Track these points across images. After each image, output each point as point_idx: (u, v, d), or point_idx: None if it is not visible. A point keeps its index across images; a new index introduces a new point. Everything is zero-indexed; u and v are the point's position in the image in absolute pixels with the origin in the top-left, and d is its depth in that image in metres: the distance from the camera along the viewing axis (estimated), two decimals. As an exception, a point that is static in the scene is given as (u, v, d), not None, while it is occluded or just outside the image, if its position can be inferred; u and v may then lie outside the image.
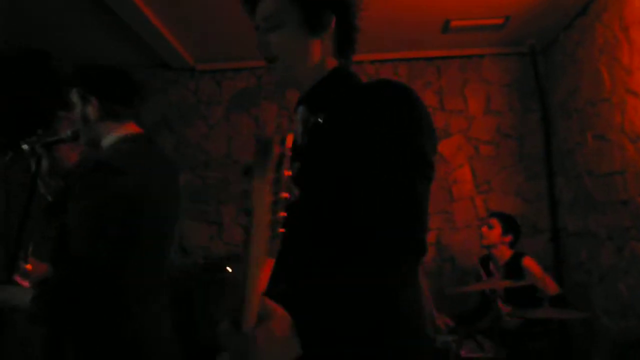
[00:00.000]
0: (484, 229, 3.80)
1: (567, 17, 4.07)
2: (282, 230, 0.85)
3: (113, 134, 1.91)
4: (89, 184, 1.71)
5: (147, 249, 1.84)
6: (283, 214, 0.84)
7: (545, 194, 4.51)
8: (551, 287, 3.55)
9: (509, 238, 3.76)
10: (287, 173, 0.83)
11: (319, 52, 1.32)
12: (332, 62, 1.35)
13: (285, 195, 0.83)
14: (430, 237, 4.54)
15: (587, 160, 3.91)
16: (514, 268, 3.69)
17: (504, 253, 3.77)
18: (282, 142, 0.82)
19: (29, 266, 2.71)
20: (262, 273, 0.92)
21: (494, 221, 3.79)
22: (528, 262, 3.68)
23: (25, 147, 2.11)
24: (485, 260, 3.91)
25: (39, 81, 3.86)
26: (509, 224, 3.79)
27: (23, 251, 2.84)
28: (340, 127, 1.18)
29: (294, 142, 1.22)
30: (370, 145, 1.12)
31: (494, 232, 3.75)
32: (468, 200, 4.59)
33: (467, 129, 4.65)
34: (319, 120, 1.24)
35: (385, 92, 1.20)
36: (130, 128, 1.94)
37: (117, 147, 1.87)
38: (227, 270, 3.84)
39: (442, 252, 4.53)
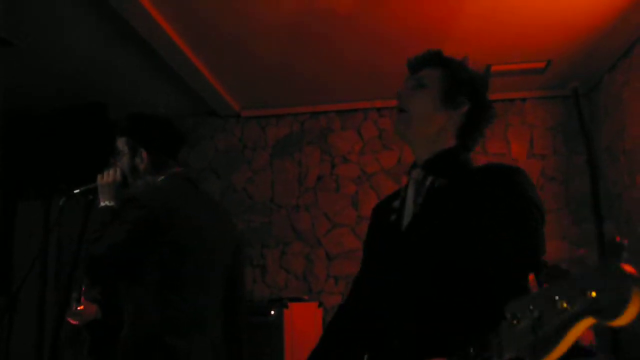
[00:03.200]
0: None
1: (610, 60, 4.06)
2: None
3: (157, 178, 2.10)
4: (119, 213, 1.96)
5: (181, 283, 1.96)
6: None
7: (593, 239, 4.39)
8: (585, 337, 3.41)
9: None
10: None
11: (443, 124, 1.46)
12: (452, 140, 1.47)
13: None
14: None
15: (638, 203, 3.82)
16: None
17: None
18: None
19: (81, 307, 2.80)
20: None
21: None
22: None
23: (77, 192, 2.23)
24: None
25: (95, 131, 4.05)
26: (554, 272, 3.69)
27: (76, 292, 2.94)
28: (461, 195, 1.30)
29: (404, 199, 1.42)
30: (487, 223, 1.22)
31: None
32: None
33: (510, 173, 4.62)
34: (437, 184, 1.37)
35: (502, 176, 1.34)
36: (162, 175, 2.12)
37: (150, 185, 2.07)
38: (271, 314, 3.85)
39: (488, 298, 4.45)
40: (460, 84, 1.48)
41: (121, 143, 2.13)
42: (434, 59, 1.53)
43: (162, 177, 2.09)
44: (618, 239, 0.76)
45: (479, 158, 4.68)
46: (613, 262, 0.71)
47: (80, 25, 3.52)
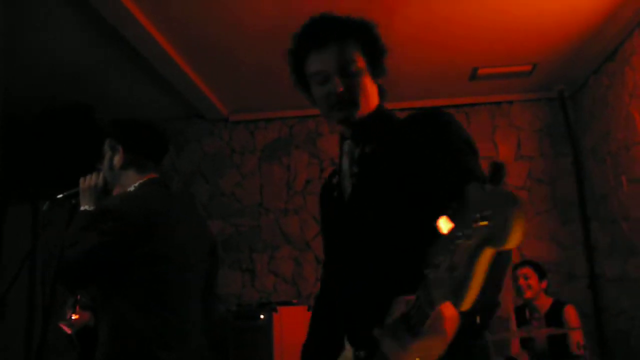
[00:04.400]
0: (521, 281, 3.69)
1: (595, 62, 4.10)
2: None
3: (133, 184, 2.03)
4: (93, 222, 1.90)
5: (165, 292, 1.92)
6: None
7: (580, 240, 4.43)
8: (574, 347, 3.43)
9: (545, 283, 3.69)
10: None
11: (375, 94, 1.44)
12: (376, 101, 1.45)
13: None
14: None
15: (623, 204, 3.86)
16: (556, 316, 3.60)
17: (545, 302, 3.68)
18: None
19: (75, 316, 2.79)
20: None
21: (528, 270, 3.70)
22: (569, 311, 3.59)
23: (60, 197, 2.21)
24: (522, 309, 3.82)
25: (82, 133, 4.03)
26: (541, 269, 3.72)
27: (72, 299, 2.93)
28: (390, 156, 1.30)
29: (341, 171, 1.42)
30: (423, 169, 1.22)
31: (533, 281, 3.67)
32: (501, 246, 4.53)
33: (498, 175, 4.64)
34: (367, 151, 1.35)
35: (425, 120, 1.33)
36: (142, 179, 2.06)
37: (127, 193, 2.01)
38: (260, 318, 3.84)
39: (477, 299, 4.46)
40: (377, 48, 1.45)
41: (105, 144, 2.10)
42: (338, 29, 1.44)
43: (138, 183, 2.03)
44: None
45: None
46: (496, 187, 0.74)
47: (67, 30, 3.50)
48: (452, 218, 0.79)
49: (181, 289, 1.98)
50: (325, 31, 1.42)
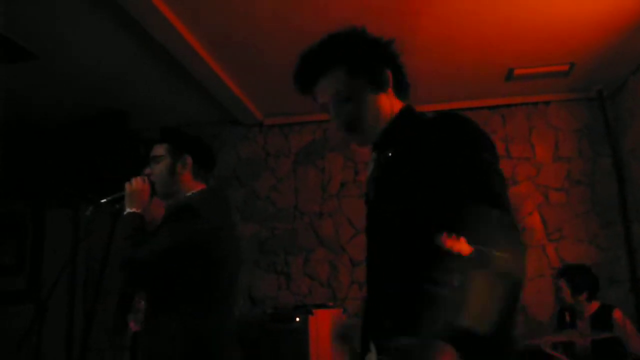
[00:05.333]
0: (558, 290, 3.71)
1: (635, 61, 4.02)
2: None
3: (191, 190, 2.15)
4: (172, 219, 1.99)
5: (224, 293, 2.04)
6: None
7: (621, 242, 4.33)
8: (638, 347, 3.37)
9: (584, 295, 3.62)
10: None
11: (388, 103, 1.45)
12: (398, 106, 1.48)
13: None
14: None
15: (665, 206, 3.76)
16: (602, 320, 3.52)
17: (588, 306, 3.62)
18: None
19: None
20: None
21: (561, 283, 3.66)
22: (619, 315, 3.52)
23: (103, 201, 2.28)
24: (562, 312, 3.76)
25: (117, 139, 4.13)
26: (578, 279, 3.64)
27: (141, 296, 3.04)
28: (407, 160, 1.34)
29: (369, 177, 1.46)
30: (435, 175, 1.25)
31: (566, 294, 3.64)
32: (539, 248, 4.47)
33: (535, 176, 4.58)
34: (388, 155, 1.40)
35: (445, 125, 1.34)
36: (201, 186, 2.20)
37: (197, 197, 2.11)
38: (296, 320, 3.86)
39: (514, 303, 4.40)
40: (367, 65, 1.43)
41: (160, 149, 2.19)
42: (324, 62, 1.45)
43: (202, 190, 2.16)
44: None
45: (503, 162, 4.67)
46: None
47: (102, 37, 3.57)
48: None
49: (233, 291, 2.11)
50: (311, 71, 1.47)
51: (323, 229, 4.80)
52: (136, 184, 2.15)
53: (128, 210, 2.10)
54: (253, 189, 4.97)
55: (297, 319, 3.86)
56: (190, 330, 1.93)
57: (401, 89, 1.49)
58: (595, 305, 3.61)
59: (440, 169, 1.25)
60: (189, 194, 2.14)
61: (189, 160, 2.16)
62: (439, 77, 4.27)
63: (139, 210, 2.10)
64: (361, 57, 1.43)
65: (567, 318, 3.70)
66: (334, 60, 1.44)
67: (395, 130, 1.43)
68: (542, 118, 4.68)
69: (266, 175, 4.99)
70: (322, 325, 3.89)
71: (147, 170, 2.23)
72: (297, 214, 4.86)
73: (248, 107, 4.68)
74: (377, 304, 1.37)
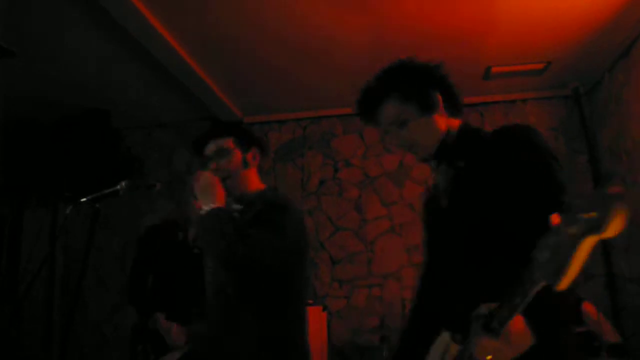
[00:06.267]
0: None
1: (609, 59, 4.08)
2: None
3: (255, 185, 2.18)
4: (267, 217, 1.94)
5: (300, 296, 2.05)
6: None
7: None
8: (611, 336, 3.42)
9: None
10: None
11: (442, 122, 1.61)
12: (454, 122, 1.64)
13: None
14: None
15: None
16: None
17: None
18: None
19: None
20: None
21: None
22: (588, 307, 3.57)
23: (83, 200, 2.24)
24: None
25: (98, 138, 4.08)
26: None
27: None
28: (479, 172, 1.48)
29: (437, 188, 1.65)
30: (509, 184, 1.40)
31: None
32: (517, 245, 4.52)
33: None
34: (459, 166, 1.55)
35: (511, 137, 1.48)
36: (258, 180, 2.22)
37: (276, 193, 2.16)
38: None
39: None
40: (416, 91, 1.60)
41: (226, 143, 2.15)
42: (379, 94, 1.65)
43: (268, 187, 2.19)
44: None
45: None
46: (602, 188, 0.87)
47: (81, 35, 3.54)
48: (561, 214, 0.97)
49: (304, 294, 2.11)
50: (368, 104, 1.68)
51: (303, 227, 4.80)
52: (204, 177, 2.01)
53: (210, 206, 1.93)
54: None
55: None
56: (272, 333, 1.91)
57: (454, 107, 1.65)
58: None
59: (512, 178, 1.39)
60: (255, 189, 2.15)
61: (257, 152, 2.17)
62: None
63: (214, 205, 1.94)
64: (410, 85, 1.61)
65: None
66: (386, 91, 1.63)
67: (462, 144, 1.58)
68: (519, 115, 4.73)
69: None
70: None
71: (213, 165, 2.13)
72: None
73: (227, 105, 4.66)
74: (449, 295, 1.53)
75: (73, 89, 4.23)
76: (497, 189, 1.41)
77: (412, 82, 1.61)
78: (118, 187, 2.17)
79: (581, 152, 4.56)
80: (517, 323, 1.23)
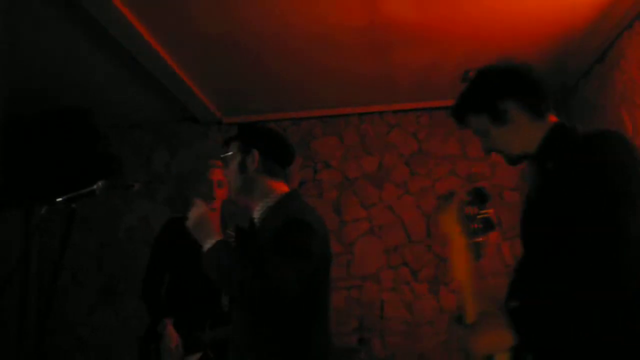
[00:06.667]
0: None
1: (585, 65, 4.14)
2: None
3: (271, 190, 1.98)
4: (296, 239, 1.77)
5: (324, 315, 1.95)
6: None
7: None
8: None
9: None
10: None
11: (525, 126, 1.66)
12: (543, 124, 1.66)
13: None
14: (456, 286, 4.51)
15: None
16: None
17: None
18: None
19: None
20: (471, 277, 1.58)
21: None
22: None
23: (59, 200, 2.21)
24: None
25: (77, 137, 4.03)
26: None
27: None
28: (569, 172, 1.50)
29: (531, 185, 1.70)
30: (597, 189, 1.41)
31: None
32: (494, 247, 4.57)
33: (490, 176, 4.68)
34: (549, 167, 1.58)
35: (603, 142, 1.51)
36: (283, 186, 2.02)
37: (296, 205, 1.94)
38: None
39: (470, 300, 4.49)
40: (486, 104, 1.68)
41: (231, 147, 2.04)
42: (459, 109, 1.77)
43: (284, 194, 1.97)
44: None
45: (458, 162, 4.77)
46: None
47: (58, 32, 3.49)
48: None
49: (328, 305, 1.99)
50: (457, 115, 1.79)
51: (282, 228, 4.80)
52: (195, 211, 1.88)
53: (208, 244, 1.79)
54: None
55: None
56: (296, 352, 1.81)
57: (537, 108, 1.67)
58: None
59: (602, 185, 1.41)
60: (270, 196, 1.96)
61: (255, 154, 1.96)
62: (397, 79, 4.32)
63: (218, 238, 1.80)
64: (480, 99, 1.70)
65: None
66: (463, 107, 1.75)
67: (552, 144, 1.61)
68: (497, 119, 4.78)
69: (225, 174, 4.95)
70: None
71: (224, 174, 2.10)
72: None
73: (206, 106, 4.64)
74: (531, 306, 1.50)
75: (50, 88, 4.17)
76: (587, 194, 1.42)
77: (482, 95, 1.70)
78: (95, 187, 2.15)
79: (557, 155, 4.62)
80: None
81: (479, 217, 1.51)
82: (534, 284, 1.59)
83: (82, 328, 4.77)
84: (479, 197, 1.48)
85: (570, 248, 1.41)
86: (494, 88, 1.69)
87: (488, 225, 1.49)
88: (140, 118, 4.96)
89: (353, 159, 4.87)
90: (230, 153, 2.04)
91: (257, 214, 1.98)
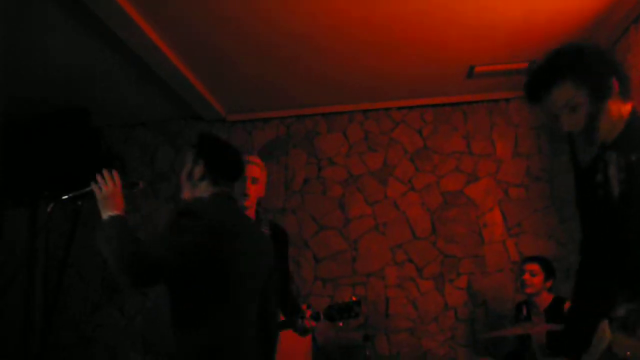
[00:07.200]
0: (526, 276, 3.68)
1: (591, 60, 4.11)
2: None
3: (205, 194, 2.14)
4: (174, 221, 1.94)
5: (228, 299, 2.01)
6: None
7: (578, 237, 4.43)
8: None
9: (550, 283, 3.69)
10: None
11: (616, 108, 1.62)
12: (626, 109, 1.64)
13: None
14: (462, 282, 4.50)
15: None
16: (556, 313, 3.59)
17: (545, 299, 3.69)
18: None
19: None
20: None
21: (536, 267, 3.68)
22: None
23: (65, 198, 2.22)
24: (520, 306, 3.83)
25: (78, 137, 4.03)
26: (550, 268, 3.71)
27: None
28: None
29: (606, 176, 1.64)
30: None
31: (538, 279, 3.66)
32: (499, 244, 4.55)
33: (495, 172, 4.66)
34: (632, 160, 1.55)
35: None
36: (211, 191, 2.16)
37: (199, 201, 2.12)
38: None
39: (474, 297, 4.48)
40: (592, 76, 1.61)
41: (187, 154, 2.23)
42: (552, 76, 1.66)
43: (211, 194, 2.13)
44: None
45: (462, 159, 4.75)
46: None
47: (62, 31, 3.49)
48: None
49: (243, 297, 2.07)
50: (539, 86, 1.70)
51: (286, 225, 4.77)
52: (104, 187, 2.06)
53: (107, 215, 1.99)
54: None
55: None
56: (203, 343, 1.92)
57: (626, 92, 1.64)
58: (550, 298, 3.69)
59: None
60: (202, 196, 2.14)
61: (202, 166, 2.15)
62: (403, 75, 4.30)
63: (118, 212, 2.00)
64: (585, 70, 1.61)
65: (524, 312, 3.77)
66: (560, 74, 1.64)
67: (633, 133, 1.59)
68: (502, 115, 4.76)
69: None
70: (285, 322, 3.87)
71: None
72: (260, 210, 4.82)
73: (211, 103, 4.63)
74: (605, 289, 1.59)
75: (53, 86, 4.17)
76: None
77: (589, 66, 1.62)
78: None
79: (563, 151, 4.59)
80: None
81: None
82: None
83: (86, 325, 4.77)
84: None
85: None
86: (602, 61, 1.65)
87: None
88: (145, 116, 4.96)
89: (357, 156, 4.86)
90: (185, 159, 2.22)
91: None
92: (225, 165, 2.20)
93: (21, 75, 3.98)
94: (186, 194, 2.18)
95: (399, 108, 4.85)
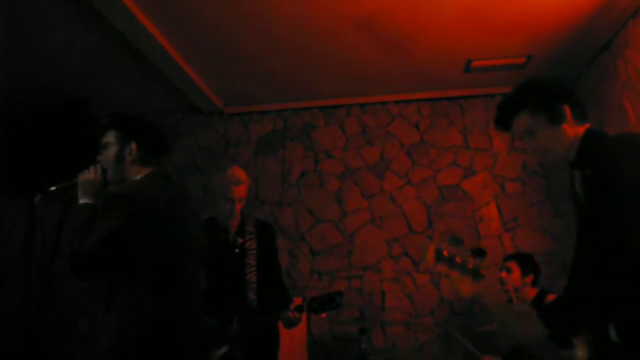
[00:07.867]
0: (503, 274, 3.70)
1: (588, 55, 4.11)
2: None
3: (138, 176, 2.12)
4: (106, 209, 1.97)
5: (172, 276, 2.02)
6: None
7: (575, 231, 4.44)
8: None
9: (530, 278, 3.71)
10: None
11: (570, 131, 1.81)
12: (581, 130, 1.81)
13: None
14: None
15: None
16: (540, 307, 3.61)
17: (529, 293, 3.71)
18: None
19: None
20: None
21: (512, 264, 3.72)
22: (551, 299, 3.62)
23: (53, 189, 2.23)
24: (511, 300, 3.84)
25: (77, 128, 4.03)
26: (527, 263, 3.73)
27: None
28: (607, 180, 1.62)
29: (577, 189, 1.81)
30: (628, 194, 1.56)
31: (514, 276, 3.69)
32: (495, 238, 4.56)
33: (492, 167, 4.67)
34: (589, 173, 1.70)
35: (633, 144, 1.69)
36: (146, 171, 2.16)
37: (131, 183, 2.11)
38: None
39: (471, 291, 4.49)
40: (545, 106, 1.81)
41: (109, 136, 2.15)
42: (512, 108, 1.88)
43: (145, 174, 2.11)
44: None
45: (459, 153, 4.75)
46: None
47: (62, 24, 3.48)
48: None
49: (185, 274, 2.07)
50: (503, 117, 1.93)
51: (283, 219, 4.80)
52: (88, 173, 2.12)
53: (80, 201, 2.09)
54: (213, 177, 4.92)
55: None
56: (138, 315, 1.93)
57: (581, 115, 1.82)
58: (534, 292, 3.71)
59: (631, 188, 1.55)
60: (135, 178, 2.13)
61: (133, 146, 2.12)
62: (400, 69, 4.30)
63: (90, 201, 2.08)
64: (540, 100, 1.83)
65: (515, 305, 3.79)
66: (519, 105, 1.86)
67: (587, 150, 1.76)
68: (499, 109, 4.75)
69: (226, 164, 4.94)
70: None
71: (99, 158, 2.18)
72: (257, 203, 4.84)
73: (208, 96, 4.63)
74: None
75: (52, 79, 4.16)
76: (625, 200, 1.56)
77: (541, 97, 1.83)
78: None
79: (560, 146, 4.60)
80: None
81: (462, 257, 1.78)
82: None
83: (80, 320, 4.77)
84: (455, 241, 1.74)
85: (620, 251, 1.55)
86: (554, 91, 1.84)
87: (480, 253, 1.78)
88: (142, 109, 4.94)
89: (354, 149, 4.86)
90: (108, 142, 2.16)
91: None
92: (156, 144, 2.21)
93: (20, 69, 3.96)
94: (113, 179, 2.16)
95: (396, 102, 4.85)
